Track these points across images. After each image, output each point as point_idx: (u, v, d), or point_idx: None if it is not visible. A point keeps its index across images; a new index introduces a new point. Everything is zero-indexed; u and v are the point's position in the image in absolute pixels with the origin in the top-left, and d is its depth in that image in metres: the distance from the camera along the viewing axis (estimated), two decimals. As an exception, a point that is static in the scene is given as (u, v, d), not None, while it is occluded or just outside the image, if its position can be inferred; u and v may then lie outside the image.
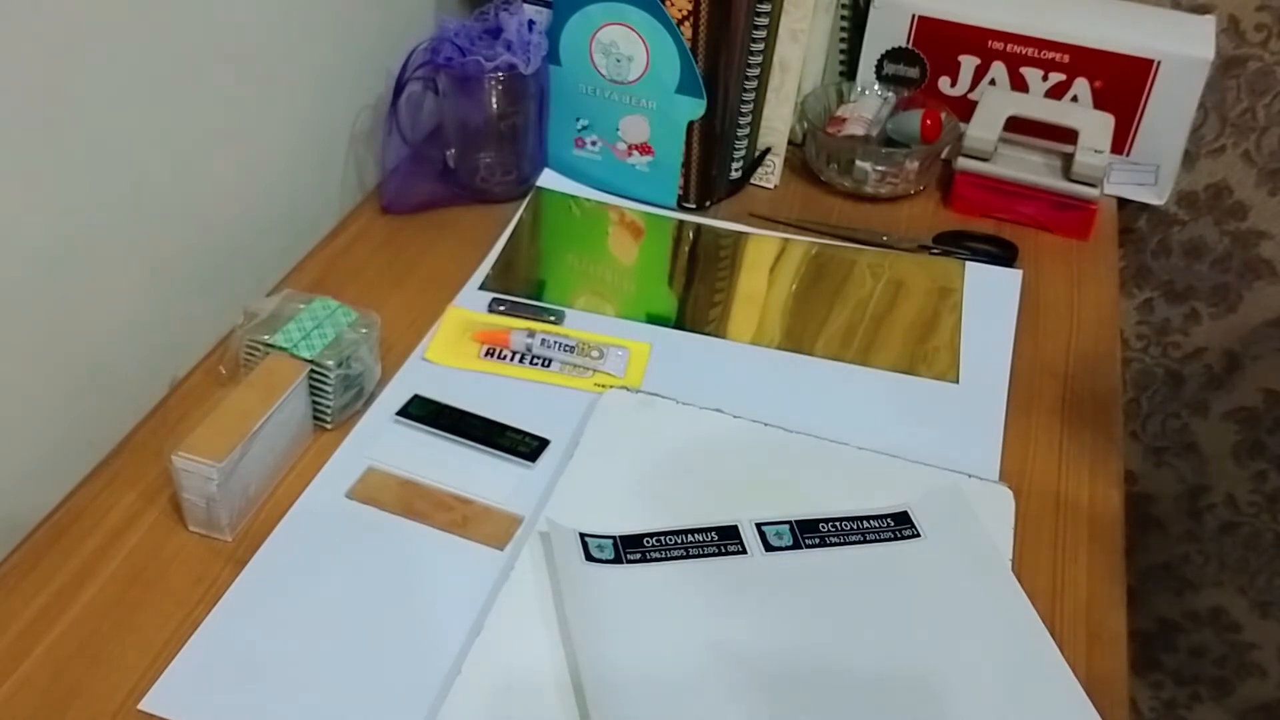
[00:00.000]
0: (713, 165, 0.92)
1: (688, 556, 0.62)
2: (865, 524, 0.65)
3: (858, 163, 0.94)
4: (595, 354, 0.76)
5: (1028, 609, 0.60)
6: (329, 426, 0.71)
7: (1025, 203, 0.93)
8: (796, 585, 0.61)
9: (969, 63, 0.98)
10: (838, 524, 0.65)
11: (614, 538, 0.63)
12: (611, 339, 0.78)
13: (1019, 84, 0.98)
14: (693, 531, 0.64)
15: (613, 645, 0.57)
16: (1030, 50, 0.96)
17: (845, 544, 0.64)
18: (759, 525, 0.64)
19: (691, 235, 0.91)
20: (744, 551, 0.63)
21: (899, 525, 0.65)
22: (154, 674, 0.56)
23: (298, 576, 0.62)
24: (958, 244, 0.90)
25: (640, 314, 0.82)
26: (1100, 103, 0.96)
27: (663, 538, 0.63)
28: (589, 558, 0.62)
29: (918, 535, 0.64)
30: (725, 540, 0.63)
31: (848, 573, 0.62)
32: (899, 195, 0.95)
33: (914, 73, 1.00)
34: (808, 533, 0.64)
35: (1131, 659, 0.61)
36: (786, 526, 0.64)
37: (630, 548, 0.63)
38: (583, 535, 0.63)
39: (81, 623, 0.59)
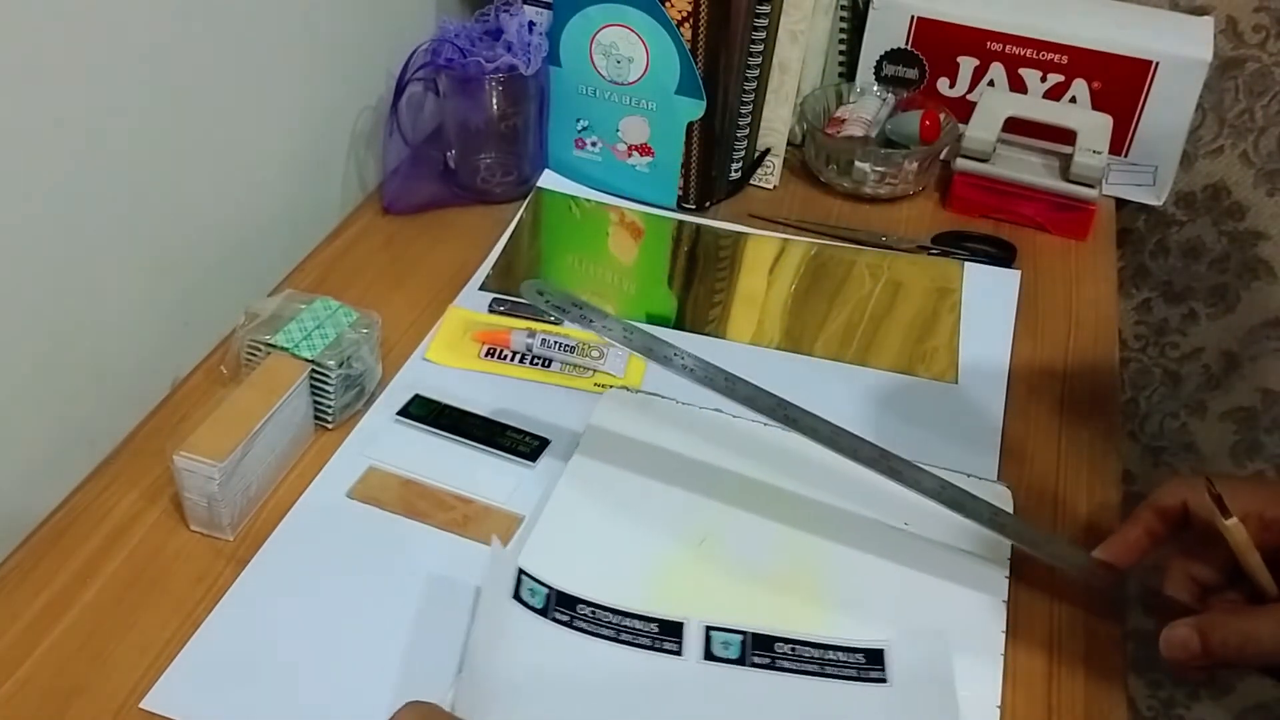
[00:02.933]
0: (712, 166, 0.92)
1: (616, 640, 0.57)
2: (829, 654, 0.57)
3: (857, 163, 0.94)
4: (595, 354, 0.76)
5: None
6: (330, 426, 0.71)
7: (1024, 203, 0.93)
8: (721, 706, 0.54)
9: (968, 64, 0.99)
10: (796, 647, 0.58)
11: (551, 590, 0.59)
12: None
13: (1017, 85, 0.98)
14: (633, 616, 0.59)
15: (500, 690, 0.53)
16: (1029, 51, 0.96)
17: (797, 673, 0.56)
18: (708, 628, 0.58)
19: (691, 236, 0.92)
20: (679, 654, 0.57)
21: (868, 664, 0.57)
22: (155, 673, 0.57)
23: (299, 575, 0.62)
24: (956, 244, 0.90)
25: (640, 314, 0.82)
26: (1099, 104, 0.96)
27: (598, 611, 0.58)
28: (516, 595, 0.58)
29: (884, 681, 0.56)
30: (664, 636, 0.58)
31: (784, 706, 0.55)
32: (898, 196, 0.96)
33: (913, 74, 1.00)
34: (759, 649, 0.57)
35: (1130, 658, 0.61)
36: (738, 638, 0.58)
37: (562, 606, 0.58)
38: (521, 571, 0.59)
39: (83, 622, 0.59)
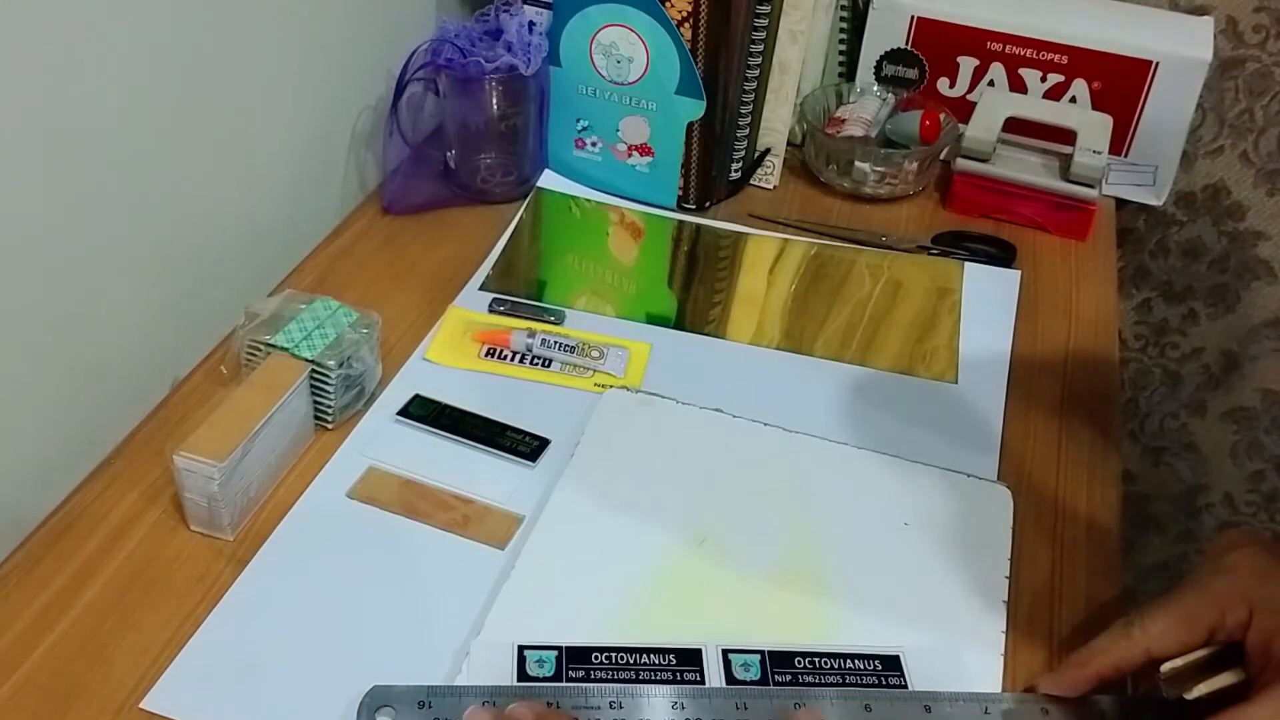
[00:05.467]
0: (712, 166, 0.92)
1: (637, 681, 0.56)
2: (848, 664, 0.58)
3: (857, 163, 0.94)
4: (595, 354, 0.76)
5: None
6: (330, 426, 0.71)
7: (1024, 203, 0.93)
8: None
9: (968, 64, 0.99)
10: (815, 660, 0.58)
11: (558, 649, 0.57)
12: (611, 339, 0.78)
13: (1017, 85, 0.98)
14: (649, 651, 0.57)
15: None
16: (1029, 51, 0.96)
17: (821, 685, 0.57)
18: (725, 652, 0.58)
19: (691, 236, 0.92)
20: (702, 683, 0.56)
21: (887, 670, 0.58)
22: (155, 673, 0.57)
23: (299, 576, 0.62)
24: (956, 244, 0.90)
25: (640, 314, 0.82)
26: (1099, 104, 0.96)
27: (613, 655, 0.57)
28: (525, 677, 0.56)
29: (904, 686, 0.57)
30: (684, 666, 0.57)
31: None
32: (898, 196, 0.96)
33: (913, 74, 1.00)
34: (779, 667, 0.57)
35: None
36: (756, 657, 0.58)
37: (575, 662, 0.57)
38: (521, 649, 0.57)
39: (83, 622, 0.59)
